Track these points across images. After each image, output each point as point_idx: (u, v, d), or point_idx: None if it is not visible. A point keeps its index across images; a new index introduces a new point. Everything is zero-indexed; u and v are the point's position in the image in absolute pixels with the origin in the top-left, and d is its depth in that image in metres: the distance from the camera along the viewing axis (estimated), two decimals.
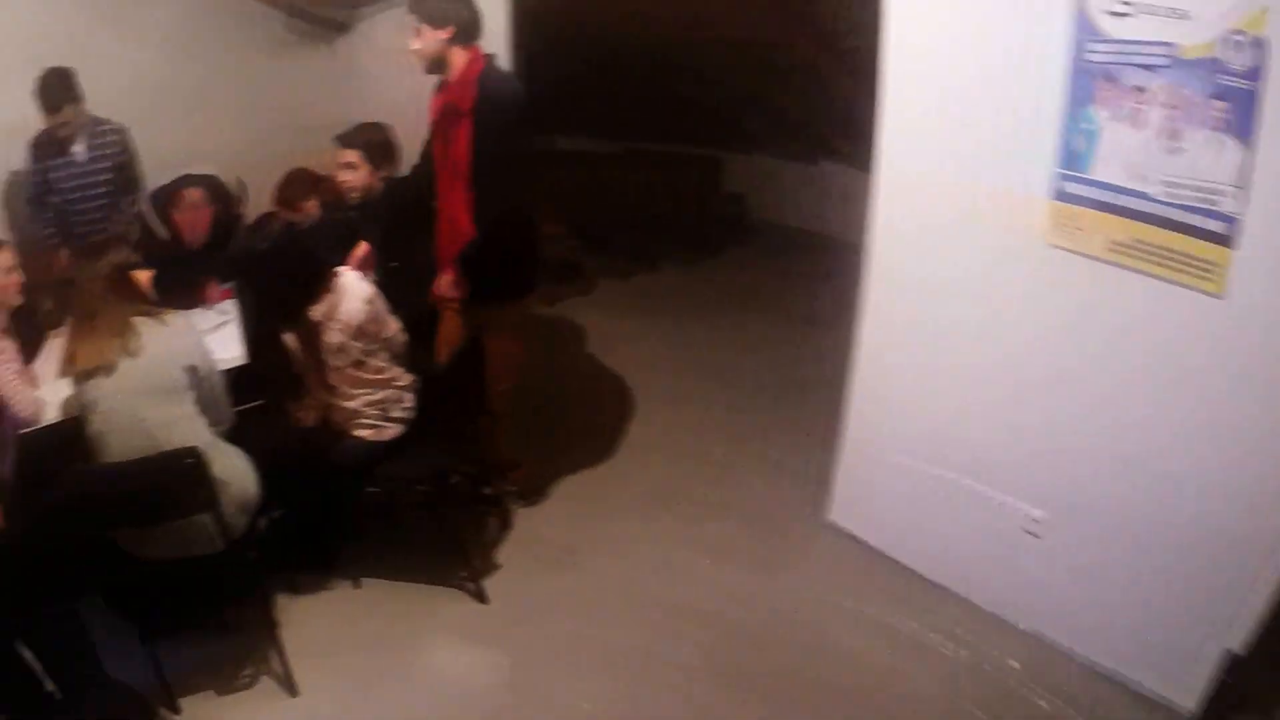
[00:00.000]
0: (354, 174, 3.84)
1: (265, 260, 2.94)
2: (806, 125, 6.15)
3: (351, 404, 3.14)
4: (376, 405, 3.17)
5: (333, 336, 3.02)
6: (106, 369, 2.69)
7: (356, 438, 3.17)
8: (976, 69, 2.72)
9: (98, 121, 4.34)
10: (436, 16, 3.00)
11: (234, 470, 2.86)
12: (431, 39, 3.03)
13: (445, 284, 3.27)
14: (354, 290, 3.10)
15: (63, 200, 4.37)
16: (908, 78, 2.91)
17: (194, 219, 4.14)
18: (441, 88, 3.22)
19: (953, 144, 2.84)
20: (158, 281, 3.97)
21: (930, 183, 2.93)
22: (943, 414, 3.10)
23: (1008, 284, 2.81)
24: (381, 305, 3.18)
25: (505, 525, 3.68)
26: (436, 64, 3.10)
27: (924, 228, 3.00)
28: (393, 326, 3.23)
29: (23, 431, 3.11)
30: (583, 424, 4.45)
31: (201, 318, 3.96)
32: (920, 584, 3.22)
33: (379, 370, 3.16)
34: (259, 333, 2.98)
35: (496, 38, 4.06)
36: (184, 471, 2.60)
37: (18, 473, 3.25)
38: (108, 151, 4.36)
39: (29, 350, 3.72)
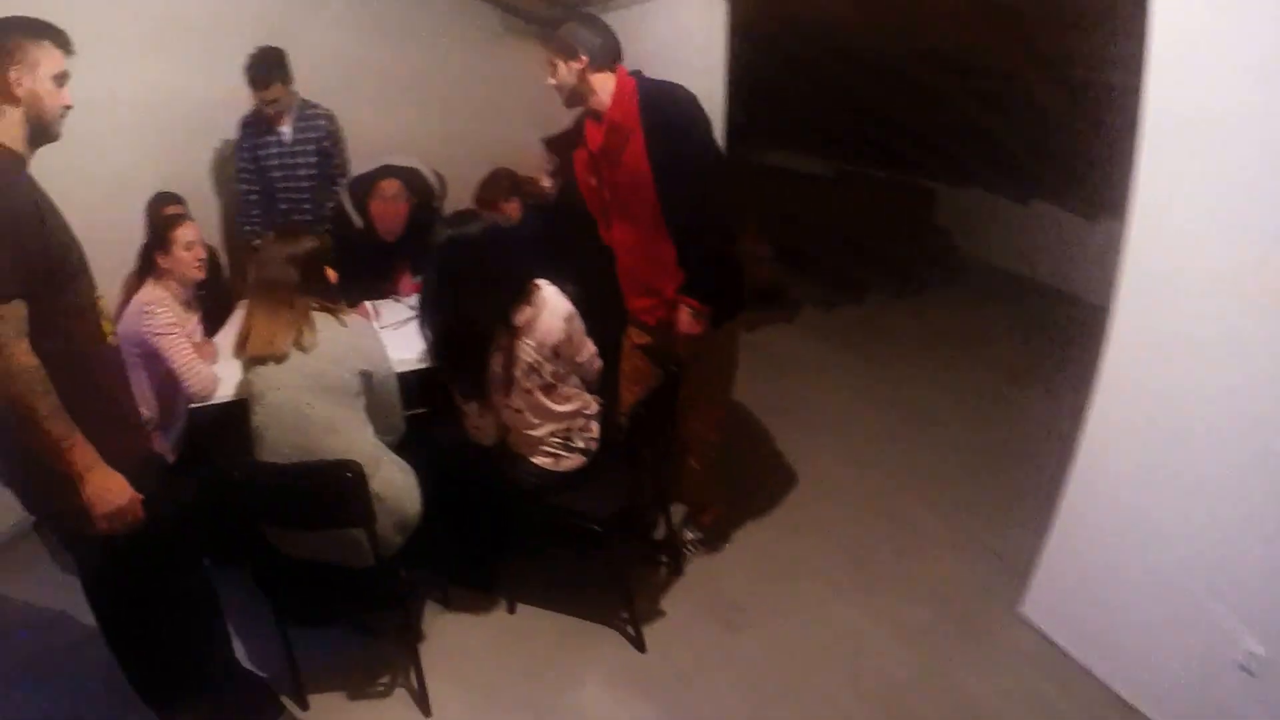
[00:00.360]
0: (559, 179, 3.69)
1: (466, 256, 2.70)
2: (1023, 162, 5.62)
3: (535, 431, 2.87)
4: (561, 433, 2.90)
5: (526, 354, 2.76)
6: (277, 359, 2.54)
7: (534, 464, 2.91)
8: (1257, 110, 2.15)
9: (306, 105, 4.34)
10: (567, 48, 2.79)
11: (395, 486, 2.65)
12: (566, 71, 2.81)
13: (686, 321, 2.90)
14: (554, 306, 2.83)
15: (267, 180, 4.41)
16: (1173, 119, 2.33)
17: (391, 211, 4.01)
18: (589, 119, 2.96)
19: (1226, 192, 2.26)
20: (348, 268, 3.96)
21: (1195, 236, 2.34)
22: (1176, 511, 2.51)
23: None
24: (579, 325, 2.91)
25: (677, 569, 3.37)
26: (577, 95, 2.86)
27: (1185, 289, 2.39)
28: (589, 350, 2.97)
29: (193, 406, 3.06)
30: (772, 464, 4.10)
31: (389, 310, 3.89)
32: (1113, 702, 2.70)
33: (568, 396, 2.89)
34: (448, 336, 2.75)
35: (714, 49, 3.84)
36: (341, 484, 2.40)
37: (184, 446, 3.26)
38: (313, 135, 4.35)
39: (215, 321, 3.76)
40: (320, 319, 2.61)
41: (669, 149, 2.73)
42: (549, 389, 2.83)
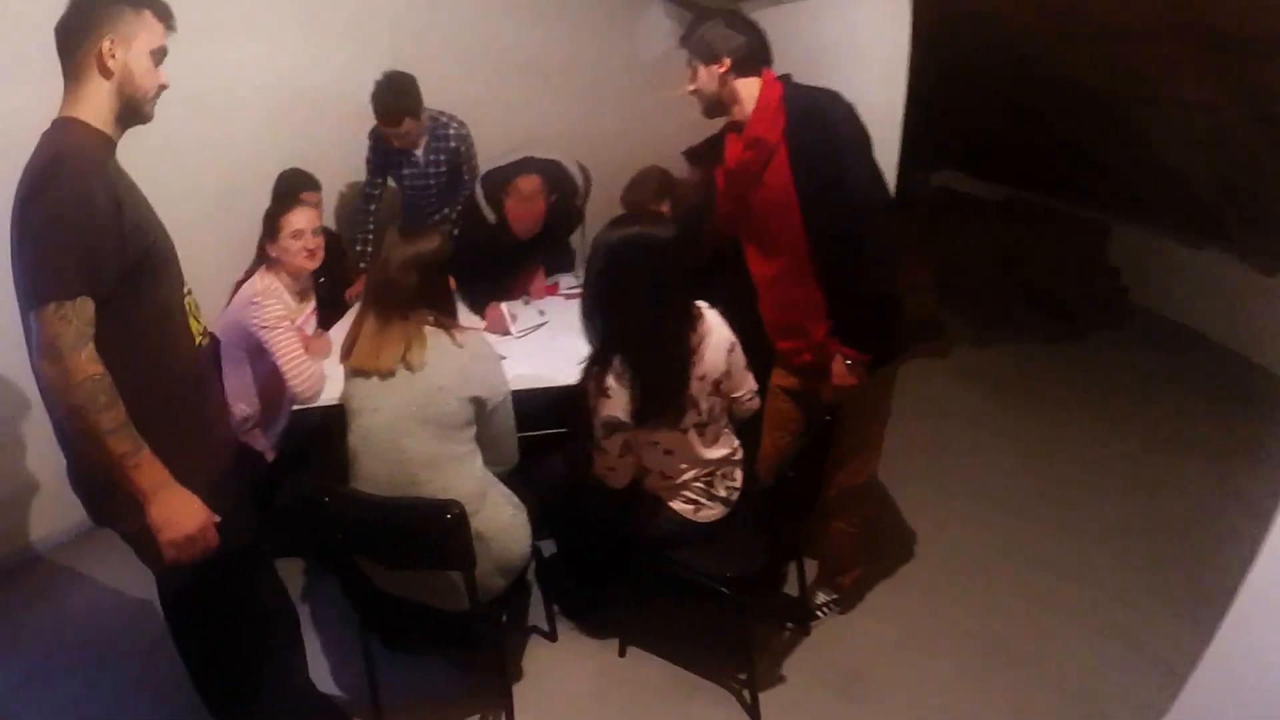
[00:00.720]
0: (701, 195, 3.33)
1: (651, 264, 2.34)
2: (1206, 203, 4.99)
3: (681, 477, 2.52)
4: (705, 478, 2.54)
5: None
6: (381, 375, 2.25)
7: (672, 510, 2.54)
8: None
9: (436, 122, 4.00)
10: (706, 50, 2.42)
11: (501, 524, 2.35)
12: (706, 76, 2.45)
13: (840, 373, 2.52)
14: (718, 334, 2.46)
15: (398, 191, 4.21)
16: None
17: (527, 208, 3.67)
18: (731, 131, 2.57)
19: None
20: (478, 266, 3.70)
21: None
22: None
23: None
24: (741, 358, 2.54)
25: (803, 630, 2.99)
26: (717, 104, 2.49)
27: None
28: (748, 386, 2.60)
29: (296, 407, 2.84)
30: (908, 519, 3.65)
31: (523, 313, 3.61)
32: None
33: (719, 439, 2.53)
34: (600, 354, 2.40)
35: (894, 54, 3.43)
36: (439, 527, 2.10)
37: (283, 448, 3.06)
38: (445, 155, 4.04)
39: (337, 312, 3.60)
40: (432, 336, 2.29)
41: (816, 171, 2.33)
42: (701, 429, 2.46)
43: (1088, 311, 5.87)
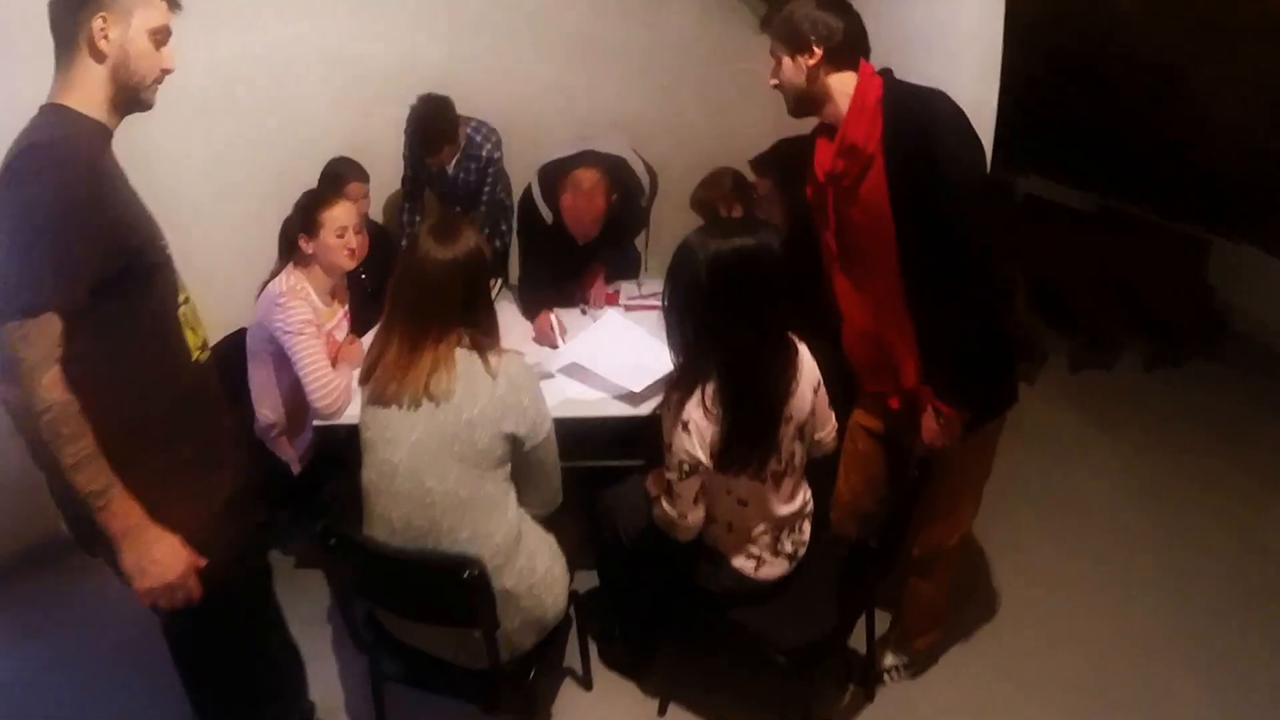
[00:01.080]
0: (769, 208, 3.01)
1: (760, 280, 1.98)
2: None
3: (751, 532, 2.18)
4: (773, 531, 2.20)
5: None
6: (400, 403, 1.93)
7: (733, 566, 2.22)
8: None
9: (471, 141, 3.71)
10: (795, 36, 2.02)
11: (535, 578, 2.04)
12: (793, 68, 2.05)
13: (931, 430, 2.14)
14: (808, 370, 2.14)
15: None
16: None
17: (585, 205, 3.20)
18: (822, 134, 2.18)
19: None
20: (532, 269, 3.41)
21: None
22: None
23: None
24: (825, 397, 2.21)
25: (868, 695, 2.65)
26: (806, 100, 2.09)
27: None
28: (831, 426, 2.27)
29: (318, 423, 2.61)
30: (991, 566, 3.25)
31: (576, 322, 3.29)
32: None
33: (794, 492, 2.20)
34: (684, 379, 2.05)
35: (987, 47, 3.08)
36: (459, 584, 1.82)
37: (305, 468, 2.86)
38: (472, 176, 3.79)
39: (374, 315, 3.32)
40: (464, 360, 1.94)
41: (917, 188, 1.95)
42: (779, 479, 2.12)
43: (1185, 334, 5.44)
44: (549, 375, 2.81)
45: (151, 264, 1.67)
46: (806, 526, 2.29)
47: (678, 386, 2.03)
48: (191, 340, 1.79)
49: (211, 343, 1.94)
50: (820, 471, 2.41)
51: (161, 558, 1.60)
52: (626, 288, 3.69)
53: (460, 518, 1.92)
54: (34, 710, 2.69)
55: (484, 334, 1.98)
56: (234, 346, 2.82)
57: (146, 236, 1.67)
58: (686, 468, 2.01)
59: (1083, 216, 6.26)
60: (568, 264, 3.49)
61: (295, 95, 3.86)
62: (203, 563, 1.68)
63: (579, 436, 2.43)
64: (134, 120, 1.71)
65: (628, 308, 3.49)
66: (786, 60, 2.06)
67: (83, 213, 1.47)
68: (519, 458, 2.02)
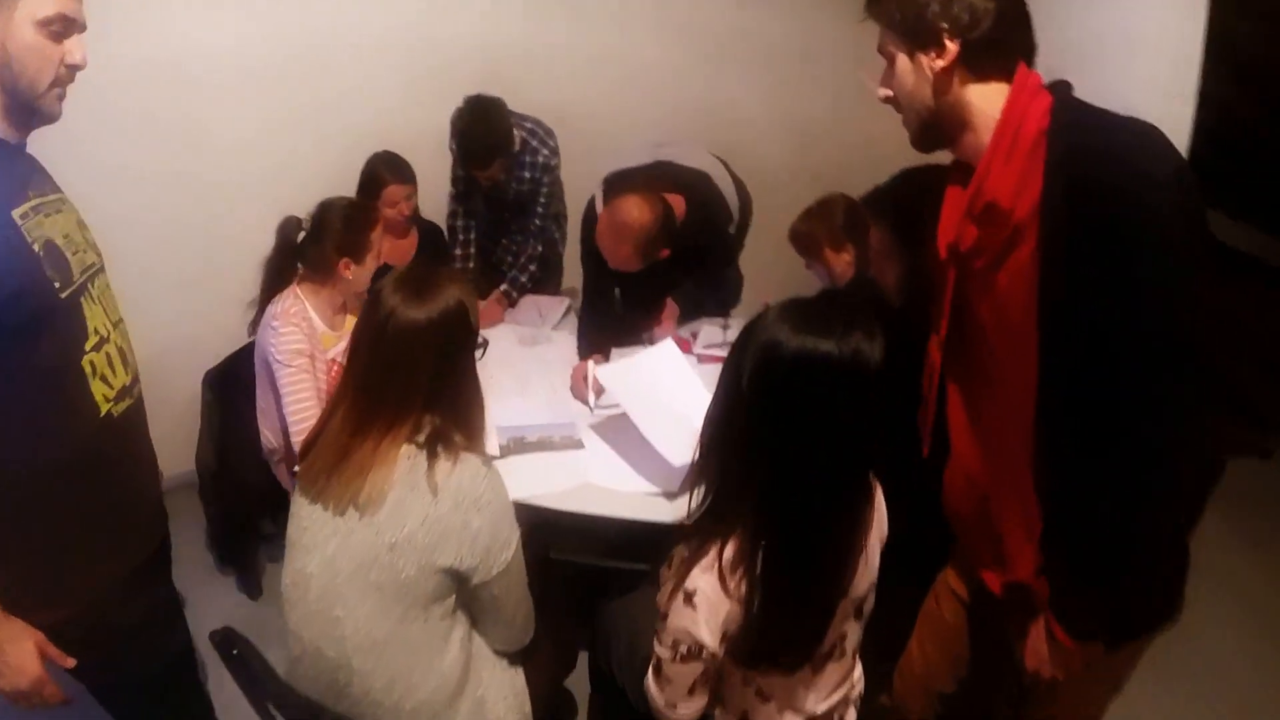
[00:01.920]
0: (882, 267, 2.14)
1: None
2: None
3: (809, 704, 1.57)
4: (826, 711, 1.59)
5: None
6: (325, 503, 1.50)
7: None
8: None
9: (526, 145, 3.19)
10: (918, 23, 1.31)
11: None
12: (913, 72, 1.35)
13: (1036, 655, 1.44)
14: (879, 519, 1.55)
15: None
16: None
17: (611, 244, 2.60)
18: (954, 176, 1.45)
19: None
20: (590, 301, 2.90)
21: None
22: None
23: None
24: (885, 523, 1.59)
25: None
26: (932, 124, 1.38)
27: None
28: (873, 575, 1.56)
29: (298, 469, 2.28)
30: None
31: (643, 359, 2.55)
32: None
33: (842, 676, 1.60)
34: (708, 521, 1.44)
35: (1185, 62, 2.44)
36: None
37: None
38: (526, 178, 3.25)
39: None
40: (405, 462, 1.46)
41: (1098, 285, 1.19)
42: (821, 664, 1.54)
43: None
44: (576, 444, 2.38)
45: (39, 309, 1.35)
46: (853, 714, 1.68)
47: (700, 529, 1.43)
48: (101, 392, 1.47)
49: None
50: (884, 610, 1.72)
51: (13, 661, 1.40)
52: (708, 330, 3.07)
53: (375, 662, 1.49)
54: None
55: (453, 422, 1.52)
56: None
57: (30, 278, 1.34)
58: (684, 650, 1.41)
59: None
60: (636, 295, 2.95)
61: (358, 80, 3.48)
62: (70, 663, 1.46)
63: (581, 530, 2.05)
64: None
65: (701, 358, 2.89)
66: (903, 60, 1.36)
67: None
68: (465, 592, 1.56)
